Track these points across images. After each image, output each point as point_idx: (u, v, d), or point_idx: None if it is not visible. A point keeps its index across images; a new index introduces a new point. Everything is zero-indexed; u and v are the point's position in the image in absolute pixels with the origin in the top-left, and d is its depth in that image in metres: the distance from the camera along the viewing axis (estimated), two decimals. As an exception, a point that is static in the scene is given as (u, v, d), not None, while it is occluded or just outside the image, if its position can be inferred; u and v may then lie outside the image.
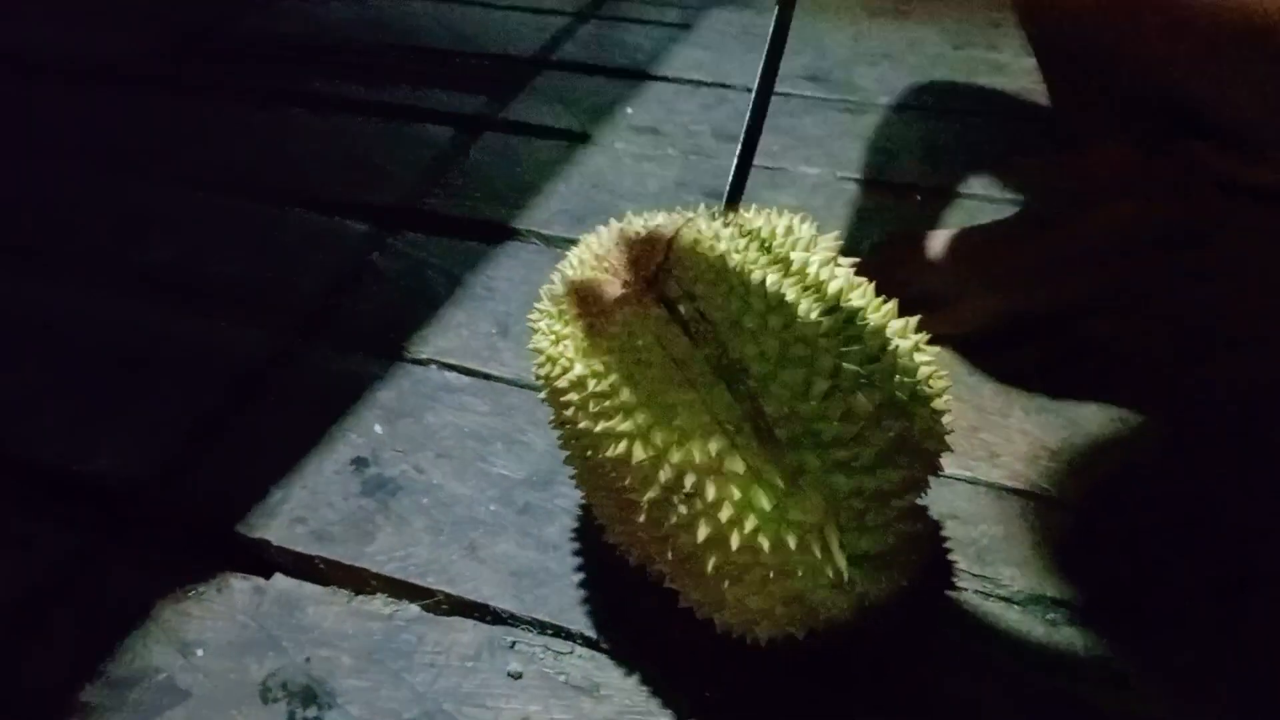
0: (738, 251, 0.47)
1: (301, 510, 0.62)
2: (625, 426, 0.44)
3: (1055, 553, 0.57)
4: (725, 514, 0.42)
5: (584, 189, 0.90)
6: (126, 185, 0.96)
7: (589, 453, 0.47)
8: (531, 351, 0.51)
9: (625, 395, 0.44)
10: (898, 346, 0.47)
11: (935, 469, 0.49)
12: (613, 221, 0.52)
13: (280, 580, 0.59)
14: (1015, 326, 0.69)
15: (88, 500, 0.65)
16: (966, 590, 0.56)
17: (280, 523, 0.61)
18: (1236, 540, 0.57)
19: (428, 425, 0.67)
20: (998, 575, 0.56)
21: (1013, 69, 1.05)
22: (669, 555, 0.46)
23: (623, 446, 0.44)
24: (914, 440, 0.46)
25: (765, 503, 0.42)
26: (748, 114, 0.56)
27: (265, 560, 0.60)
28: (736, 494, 0.42)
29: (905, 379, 0.46)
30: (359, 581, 0.58)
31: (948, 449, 0.49)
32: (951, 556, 0.57)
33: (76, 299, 0.81)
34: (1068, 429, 0.64)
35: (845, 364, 0.44)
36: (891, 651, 0.53)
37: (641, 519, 0.45)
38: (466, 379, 0.71)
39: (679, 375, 0.43)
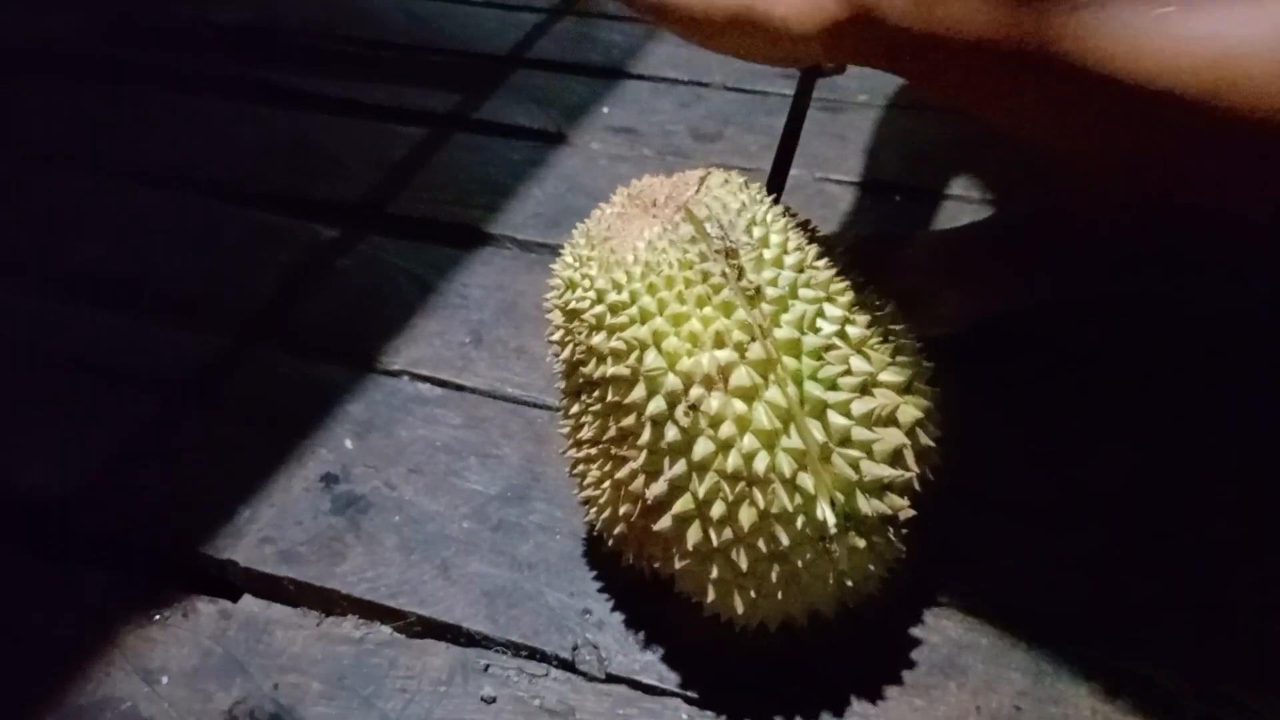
0: (762, 201, 0.49)
1: (269, 529, 0.60)
2: (640, 333, 0.44)
3: (1035, 566, 0.57)
4: (726, 430, 0.42)
5: (559, 191, 0.89)
6: (55, 177, 0.93)
7: (597, 374, 0.47)
8: (553, 285, 0.51)
9: (645, 302, 0.44)
10: (901, 332, 0.48)
11: (928, 477, 0.48)
12: (647, 176, 0.52)
13: (248, 603, 0.57)
14: (992, 328, 0.68)
15: (26, 517, 0.63)
16: (941, 607, 0.55)
17: (248, 543, 0.60)
18: (1217, 554, 0.57)
19: (399, 439, 0.66)
20: (980, 588, 0.56)
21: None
22: (657, 504, 0.45)
23: (634, 356, 0.44)
24: (910, 422, 0.46)
25: (765, 424, 0.42)
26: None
27: (232, 582, 0.59)
28: (738, 412, 0.43)
29: (908, 366, 0.47)
30: (329, 603, 0.57)
31: (936, 454, 0.48)
32: (931, 566, 0.56)
33: (1, 300, 0.79)
34: (1044, 435, 0.63)
35: (851, 324, 0.46)
36: (864, 670, 0.52)
37: (639, 447, 0.45)
38: (439, 390, 0.69)
39: (698, 289, 0.44)
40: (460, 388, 0.70)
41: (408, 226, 0.86)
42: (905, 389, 0.47)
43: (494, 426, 0.66)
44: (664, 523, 0.45)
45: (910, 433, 0.46)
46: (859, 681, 0.52)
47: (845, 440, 0.44)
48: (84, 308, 0.78)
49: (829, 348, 0.44)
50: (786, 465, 0.42)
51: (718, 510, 0.43)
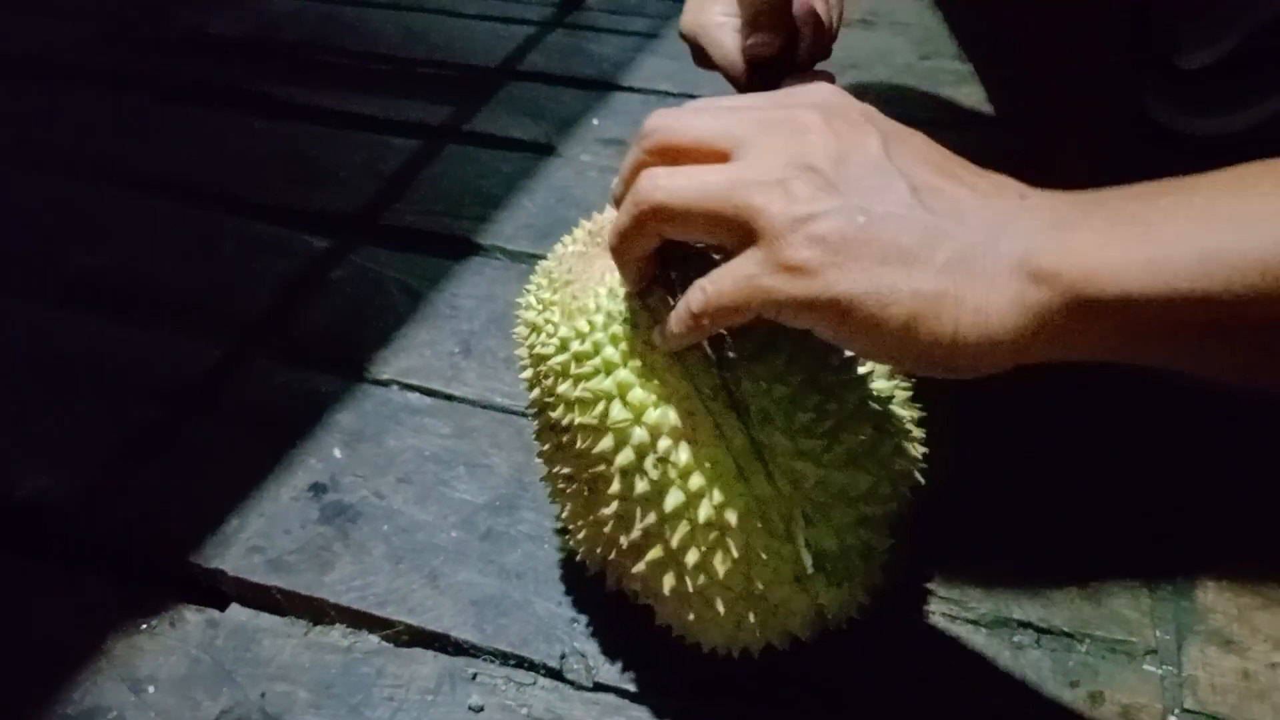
0: None
1: (258, 538, 0.60)
2: (605, 385, 0.44)
3: (1022, 574, 0.57)
4: (695, 482, 0.42)
5: (549, 203, 0.89)
6: (54, 186, 0.93)
7: (565, 420, 0.46)
8: (516, 331, 0.51)
9: (608, 353, 0.44)
10: (874, 368, 0.47)
11: (906, 496, 0.48)
12: (608, 208, 0.52)
13: (235, 612, 0.57)
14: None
15: (20, 525, 0.63)
16: (934, 613, 0.55)
17: (236, 552, 0.60)
18: (1214, 557, 0.57)
19: (388, 449, 0.66)
20: (964, 598, 0.56)
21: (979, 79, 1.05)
22: (632, 547, 0.45)
23: (600, 407, 0.44)
24: (885, 453, 0.45)
25: (735, 473, 0.42)
26: None
27: (220, 591, 0.59)
28: (707, 462, 0.42)
29: (881, 394, 0.46)
30: (317, 612, 0.57)
31: (918, 475, 0.48)
32: (923, 567, 0.57)
33: (-2, 308, 0.79)
34: (1037, 445, 0.64)
35: (822, 370, 0.44)
36: (856, 674, 0.52)
37: (610, 495, 0.44)
38: (428, 400, 0.70)
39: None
40: (450, 397, 0.70)
41: (400, 237, 0.86)
42: (881, 422, 0.45)
43: (483, 436, 0.67)
44: (639, 567, 0.45)
45: (885, 464, 0.45)
46: (850, 685, 0.52)
47: (819, 483, 0.43)
48: (81, 316, 0.78)
49: (796, 395, 0.43)
50: (758, 513, 0.42)
51: (692, 558, 0.43)
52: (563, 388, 0.45)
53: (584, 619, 0.55)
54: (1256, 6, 0.54)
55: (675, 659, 0.52)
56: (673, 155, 0.40)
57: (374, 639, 0.56)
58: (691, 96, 1.04)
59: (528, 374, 0.50)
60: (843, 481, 0.43)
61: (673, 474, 0.42)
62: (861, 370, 0.46)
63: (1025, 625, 0.55)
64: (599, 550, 0.49)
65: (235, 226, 0.88)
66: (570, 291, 0.46)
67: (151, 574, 0.60)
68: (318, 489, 0.63)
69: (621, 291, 0.45)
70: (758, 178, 0.37)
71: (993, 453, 0.63)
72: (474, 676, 0.53)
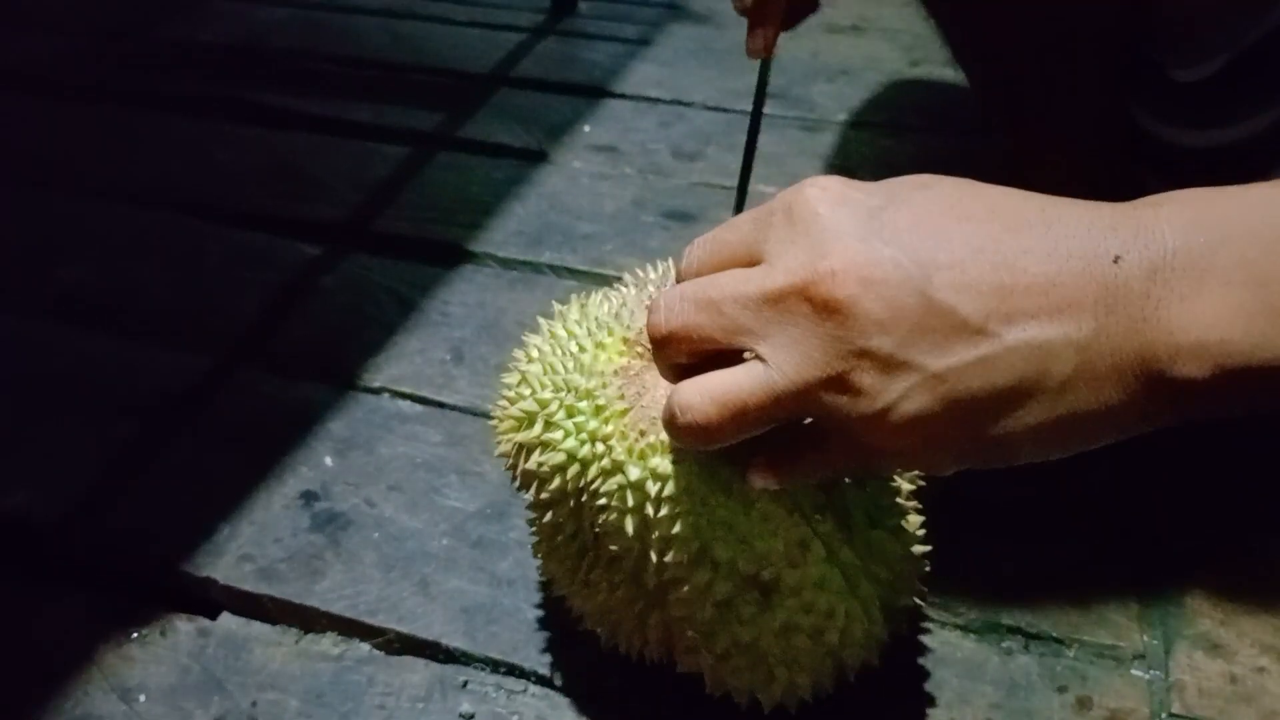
0: None
1: (249, 547, 0.60)
2: (703, 526, 0.40)
3: (1011, 579, 0.57)
4: (804, 599, 0.41)
5: (540, 209, 0.89)
6: (37, 198, 0.93)
7: (632, 554, 0.43)
8: (539, 459, 0.44)
9: (699, 489, 0.41)
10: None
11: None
12: (615, 291, 0.49)
13: (226, 620, 0.57)
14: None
15: (8, 539, 0.63)
16: (923, 619, 0.55)
17: (227, 561, 0.60)
18: (1196, 565, 0.58)
19: (379, 456, 0.66)
20: (953, 603, 0.56)
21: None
22: (707, 646, 0.44)
23: (695, 546, 0.41)
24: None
25: (842, 585, 0.42)
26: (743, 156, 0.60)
27: (211, 600, 0.59)
28: (815, 582, 0.41)
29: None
30: (307, 620, 0.57)
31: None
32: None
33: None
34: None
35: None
36: (845, 681, 0.52)
37: (682, 615, 0.43)
38: (419, 408, 0.70)
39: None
40: (441, 405, 0.70)
41: (390, 245, 0.86)
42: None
43: (474, 443, 0.67)
44: (710, 661, 0.45)
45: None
46: (835, 697, 0.52)
47: (893, 553, 0.43)
48: (69, 329, 0.78)
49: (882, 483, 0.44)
50: (850, 591, 0.43)
51: (781, 651, 0.43)
52: (633, 524, 0.42)
53: (575, 626, 0.55)
54: (1246, 25, 0.54)
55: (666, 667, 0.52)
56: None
57: (365, 647, 0.56)
58: (682, 104, 1.05)
59: (550, 494, 0.44)
60: (905, 547, 0.44)
61: (776, 600, 0.41)
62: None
63: (1014, 631, 0.55)
64: (635, 636, 0.47)
65: (223, 236, 0.88)
66: (631, 423, 0.42)
67: (142, 583, 0.60)
68: (308, 497, 0.63)
69: None
70: (804, 378, 0.33)
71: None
72: (465, 684, 0.53)
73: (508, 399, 0.47)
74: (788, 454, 0.37)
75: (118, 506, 0.64)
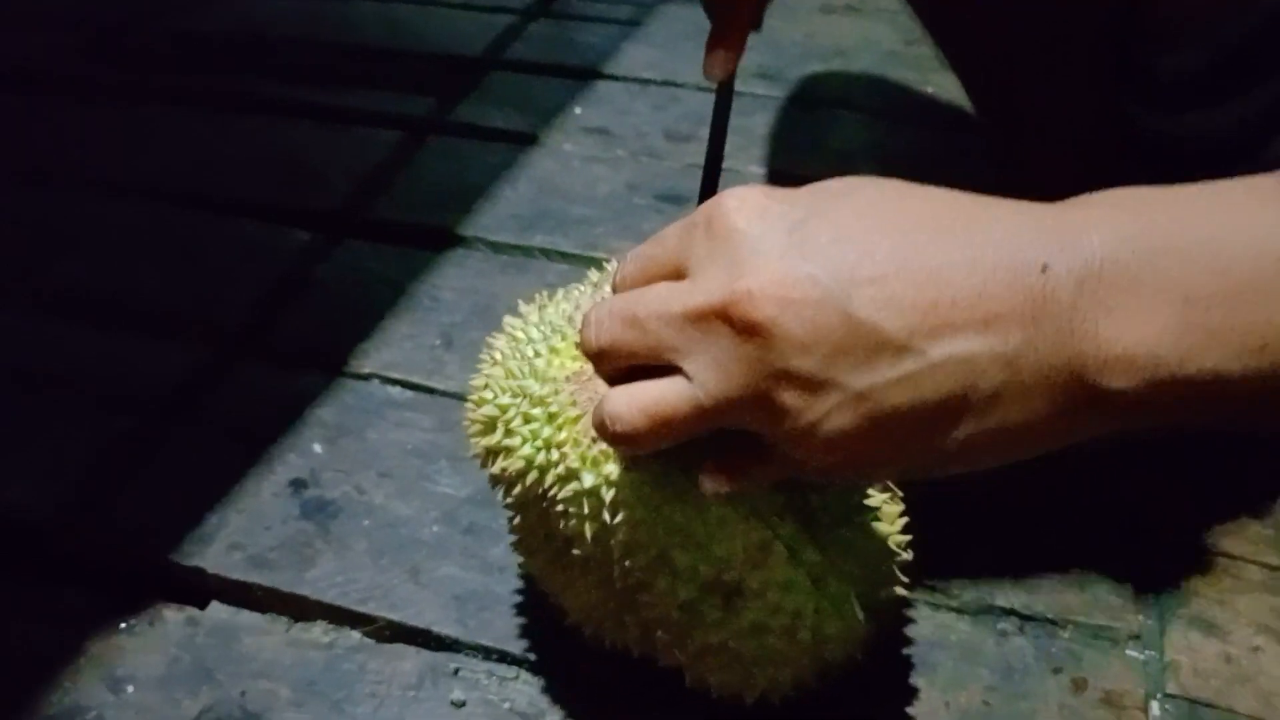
0: None
1: (238, 536, 0.60)
2: (659, 533, 0.40)
3: (1005, 561, 0.57)
4: (770, 600, 0.41)
5: (532, 193, 0.89)
6: (31, 193, 0.92)
7: (596, 556, 0.43)
8: (503, 464, 0.45)
9: (651, 498, 0.40)
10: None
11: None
12: (577, 289, 0.48)
13: (216, 609, 0.57)
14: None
15: (2, 535, 0.62)
16: (917, 601, 0.55)
17: (216, 549, 0.59)
18: (1189, 552, 0.57)
19: (369, 443, 0.66)
20: (947, 585, 0.56)
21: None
22: (679, 647, 0.44)
23: (653, 551, 0.41)
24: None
25: (809, 588, 0.42)
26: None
27: (200, 589, 0.58)
28: (779, 584, 0.41)
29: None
30: (298, 609, 0.57)
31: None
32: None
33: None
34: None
35: None
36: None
37: (652, 617, 0.43)
38: (410, 394, 0.69)
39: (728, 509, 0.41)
40: (431, 391, 0.69)
41: (381, 230, 0.85)
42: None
43: (465, 430, 0.66)
44: (688, 659, 0.45)
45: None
46: (829, 682, 0.52)
47: (867, 548, 0.43)
48: (61, 320, 0.77)
49: (856, 500, 0.43)
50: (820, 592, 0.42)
51: (756, 649, 0.43)
52: (591, 530, 0.42)
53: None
54: (1229, 23, 0.53)
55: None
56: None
57: (356, 635, 0.55)
58: (674, 85, 1.04)
59: (516, 498, 0.45)
60: (879, 541, 0.44)
61: (740, 604, 0.41)
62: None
63: (1009, 613, 0.54)
64: (617, 635, 0.47)
65: (215, 224, 0.87)
66: (584, 431, 0.41)
67: (130, 572, 0.59)
68: (298, 485, 0.63)
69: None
70: (727, 396, 0.33)
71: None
72: (456, 672, 0.53)
73: (474, 402, 0.47)
74: (738, 458, 0.37)
75: (108, 498, 0.63)
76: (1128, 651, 0.52)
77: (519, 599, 0.56)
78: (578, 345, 0.43)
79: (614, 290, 0.41)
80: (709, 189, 0.56)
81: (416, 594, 0.56)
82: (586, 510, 0.41)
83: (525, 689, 0.52)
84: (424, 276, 0.80)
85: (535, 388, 0.43)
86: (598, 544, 0.42)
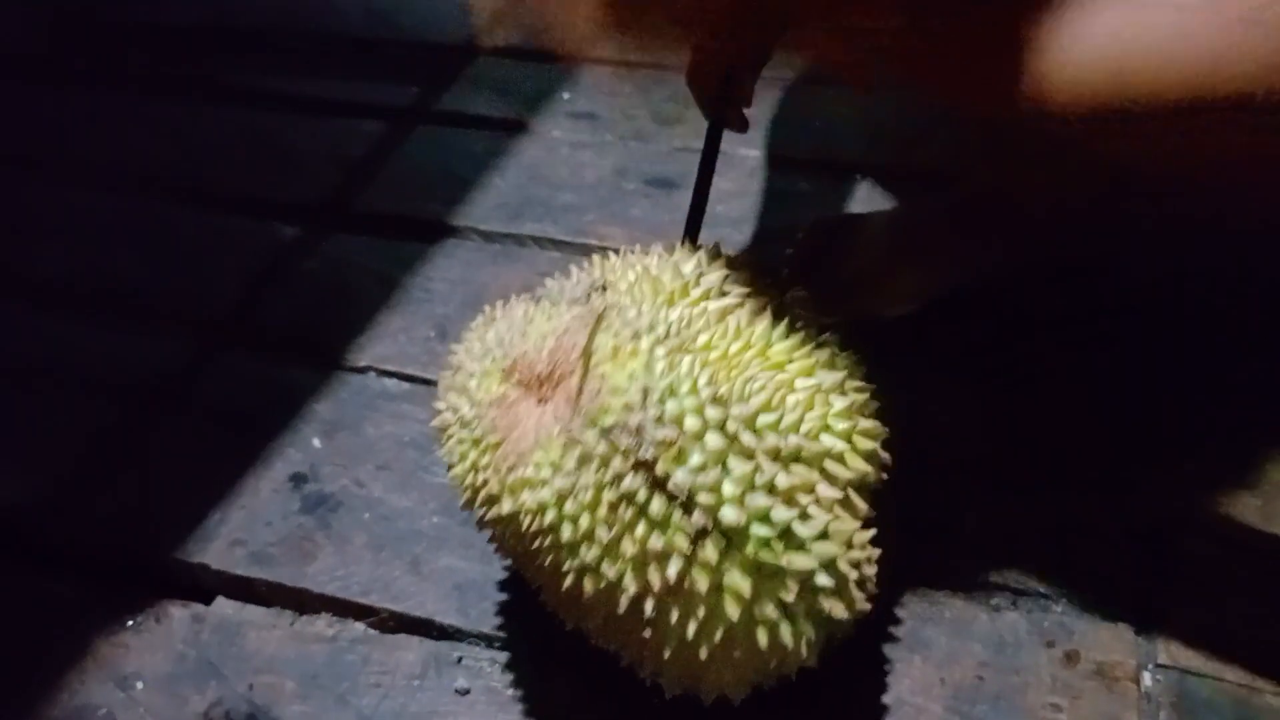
0: (660, 343, 0.43)
1: (240, 531, 0.61)
2: (572, 562, 0.41)
3: (997, 536, 0.58)
4: (701, 612, 0.41)
5: (521, 181, 0.89)
6: (9, 184, 0.92)
7: (540, 568, 0.44)
8: (451, 472, 0.48)
9: (566, 534, 0.41)
10: (854, 387, 0.46)
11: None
12: (490, 311, 0.49)
13: (220, 605, 0.58)
14: (951, 303, 0.69)
15: None
16: (909, 577, 0.56)
17: (218, 545, 0.60)
18: (1175, 512, 0.58)
19: (367, 436, 0.66)
20: (939, 562, 0.56)
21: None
22: (630, 657, 0.46)
23: (570, 580, 0.42)
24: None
25: (732, 606, 0.41)
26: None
27: (204, 585, 0.59)
28: (701, 602, 0.41)
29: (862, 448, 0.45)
30: (301, 603, 0.57)
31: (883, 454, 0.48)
32: (893, 539, 0.57)
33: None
34: (1008, 406, 0.64)
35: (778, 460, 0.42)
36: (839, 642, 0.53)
37: (601, 618, 0.44)
38: (405, 386, 0.70)
39: (625, 512, 0.41)
40: (427, 382, 0.70)
41: (370, 223, 0.85)
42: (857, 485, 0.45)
43: (461, 420, 0.67)
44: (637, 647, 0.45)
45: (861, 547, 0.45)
46: (825, 660, 0.52)
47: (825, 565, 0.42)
48: (44, 316, 0.77)
49: (776, 518, 0.41)
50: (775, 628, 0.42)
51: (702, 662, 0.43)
52: (522, 548, 0.44)
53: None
54: None
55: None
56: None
57: (359, 627, 0.56)
58: (661, 67, 1.03)
59: (475, 510, 0.47)
60: (812, 568, 0.42)
61: (665, 625, 0.41)
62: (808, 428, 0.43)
63: (1001, 588, 0.55)
64: (574, 620, 0.48)
65: (202, 219, 0.87)
66: (502, 453, 0.42)
67: (134, 571, 0.60)
68: (297, 479, 0.63)
69: (567, 462, 0.41)
70: None
71: (956, 419, 0.64)
72: (459, 660, 0.54)
73: (441, 413, 0.49)
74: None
75: (107, 495, 0.64)
76: (1120, 623, 0.53)
77: (519, 587, 0.57)
78: (503, 370, 0.44)
79: None
80: (694, 224, 0.57)
81: (418, 585, 0.57)
82: (508, 534, 0.44)
83: (528, 676, 0.53)
84: (415, 268, 0.80)
85: (467, 410, 0.45)
86: (529, 565, 0.44)
